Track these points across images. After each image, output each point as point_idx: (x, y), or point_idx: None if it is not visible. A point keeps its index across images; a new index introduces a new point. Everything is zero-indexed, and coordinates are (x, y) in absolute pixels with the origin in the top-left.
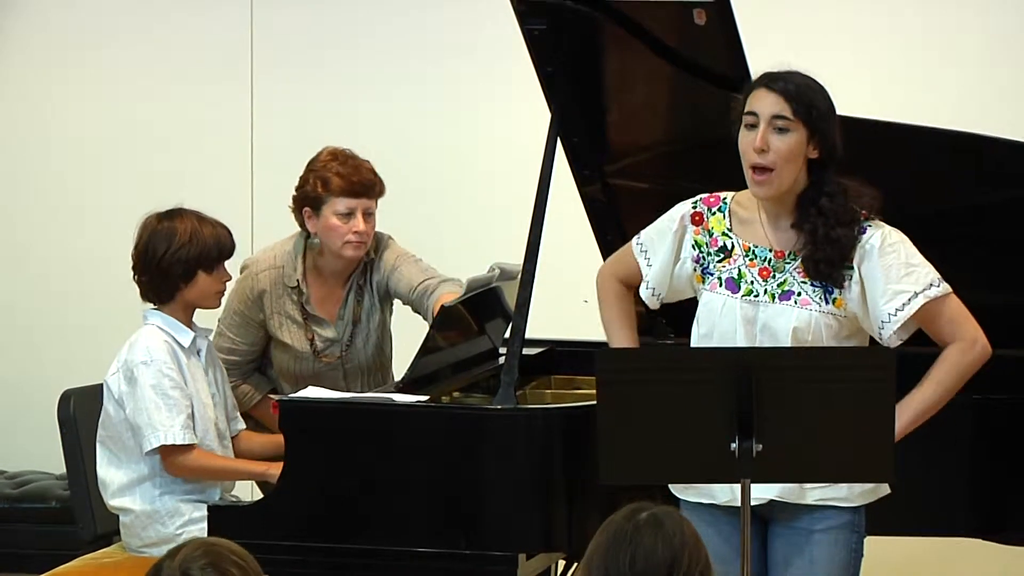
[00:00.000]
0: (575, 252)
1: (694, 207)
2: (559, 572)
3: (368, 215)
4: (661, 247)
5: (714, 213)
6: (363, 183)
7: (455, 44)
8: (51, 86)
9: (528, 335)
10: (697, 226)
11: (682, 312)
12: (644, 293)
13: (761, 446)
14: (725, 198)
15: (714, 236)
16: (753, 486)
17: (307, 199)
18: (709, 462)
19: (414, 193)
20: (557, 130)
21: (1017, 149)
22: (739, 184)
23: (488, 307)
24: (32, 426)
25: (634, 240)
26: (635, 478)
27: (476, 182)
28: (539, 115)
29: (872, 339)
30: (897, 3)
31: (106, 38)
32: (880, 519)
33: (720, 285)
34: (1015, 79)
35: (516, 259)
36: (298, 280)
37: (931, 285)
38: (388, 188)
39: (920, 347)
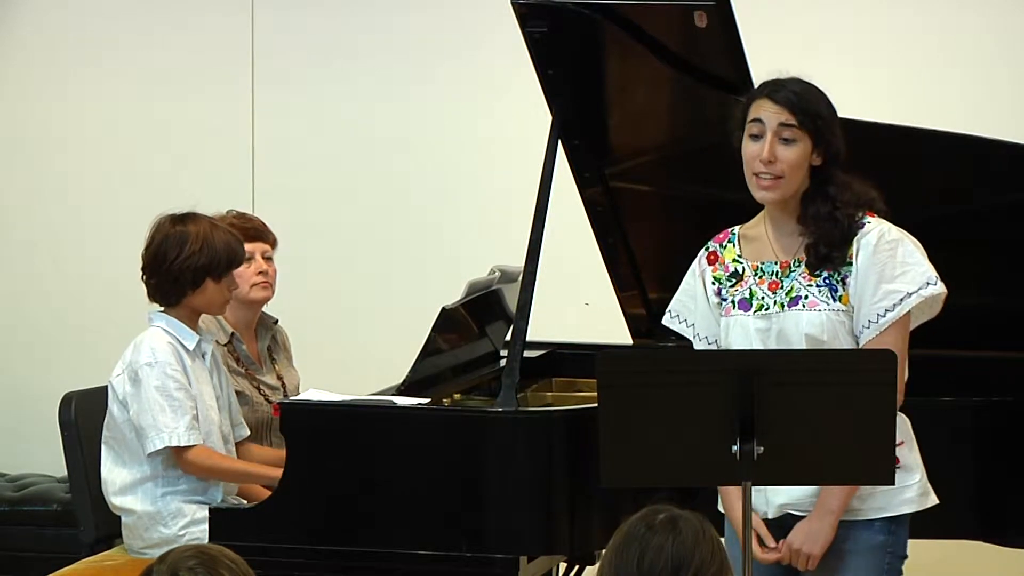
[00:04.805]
0: (576, 255)
1: (707, 250)
2: (560, 575)
3: (267, 258)
4: (695, 302)
5: (725, 247)
6: (255, 228)
7: (455, 45)
8: (52, 87)
9: (529, 338)
10: (713, 264)
11: None
12: (701, 347)
13: (762, 448)
14: (733, 230)
15: (727, 265)
16: (762, 498)
17: None
18: (710, 465)
19: (414, 195)
20: (558, 133)
21: (1019, 152)
22: (741, 186)
23: (489, 309)
24: (33, 429)
25: (665, 316)
26: (636, 481)
27: (477, 184)
28: (540, 118)
29: None
30: (898, 4)
31: (107, 39)
32: None
33: (734, 307)
34: (1015, 80)
35: (517, 261)
36: (232, 333)
37: (927, 283)
38: (390, 189)
39: (925, 349)
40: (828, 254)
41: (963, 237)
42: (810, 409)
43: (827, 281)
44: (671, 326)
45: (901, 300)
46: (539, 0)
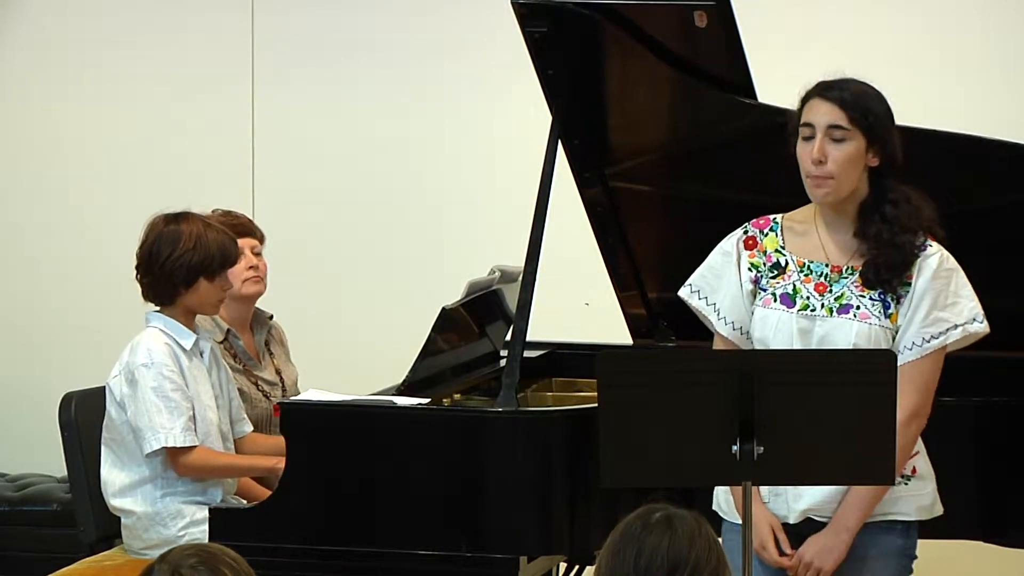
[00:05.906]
0: (576, 255)
1: (745, 232)
2: (560, 575)
3: (256, 254)
4: (723, 282)
5: (767, 234)
6: (242, 224)
7: (456, 45)
8: (52, 88)
9: (529, 337)
10: (751, 250)
11: (683, 315)
12: (724, 331)
13: (762, 448)
14: (775, 219)
15: (768, 254)
16: (783, 505)
17: None
18: (710, 465)
19: (415, 195)
20: (558, 132)
21: (1019, 152)
22: (741, 186)
23: (489, 309)
24: (33, 429)
25: (682, 289)
26: (636, 481)
27: (477, 184)
28: (540, 117)
29: None
30: (897, 4)
31: (107, 39)
32: None
33: (774, 300)
34: (1014, 80)
35: (517, 261)
36: (228, 330)
37: (973, 320)
38: (390, 189)
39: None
40: (888, 279)
41: (963, 237)
42: (810, 409)
43: (881, 296)
44: (689, 300)
45: (947, 330)
46: (539, 0)
